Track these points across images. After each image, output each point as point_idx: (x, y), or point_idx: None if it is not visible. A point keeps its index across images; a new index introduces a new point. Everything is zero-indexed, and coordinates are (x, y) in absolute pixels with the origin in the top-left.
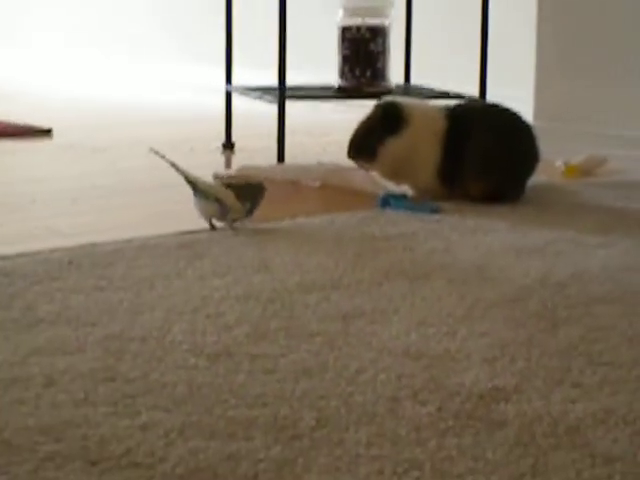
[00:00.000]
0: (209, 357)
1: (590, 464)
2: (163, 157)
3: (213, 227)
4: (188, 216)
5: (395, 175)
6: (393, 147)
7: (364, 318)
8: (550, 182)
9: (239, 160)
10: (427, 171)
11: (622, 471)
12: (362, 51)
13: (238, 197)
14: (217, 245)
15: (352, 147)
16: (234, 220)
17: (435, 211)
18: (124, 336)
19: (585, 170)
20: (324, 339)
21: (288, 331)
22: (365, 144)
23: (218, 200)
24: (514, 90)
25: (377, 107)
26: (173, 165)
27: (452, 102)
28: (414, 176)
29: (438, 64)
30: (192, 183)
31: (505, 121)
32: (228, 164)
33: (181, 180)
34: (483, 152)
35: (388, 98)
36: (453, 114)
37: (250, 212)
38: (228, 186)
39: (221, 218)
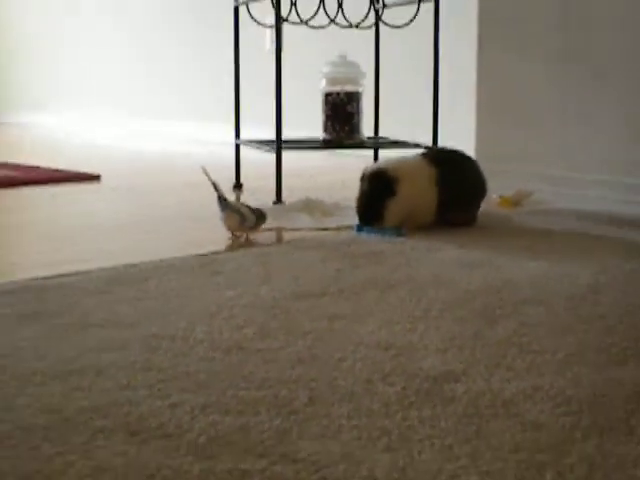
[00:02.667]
0: (224, 351)
1: (521, 430)
2: (208, 175)
3: (235, 235)
4: (207, 242)
5: (402, 223)
6: (394, 207)
7: (345, 319)
8: (488, 211)
9: (245, 196)
10: (430, 212)
11: (547, 435)
12: (341, 111)
13: (249, 210)
14: (229, 264)
15: (362, 216)
16: (250, 228)
17: (400, 235)
18: (157, 335)
19: (515, 201)
20: (314, 335)
21: (286, 330)
22: (371, 212)
23: (239, 212)
24: (459, 137)
25: (370, 178)
26: (214, 184)
27: (414, 151)
28: (420, 218)
29: (400, 120)
30: (224, 200)
31: (471, 163)
32: (238, 199)
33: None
34: (465, 190)
35: (373, 167)
36: (436, 160)
37: (256, 224)
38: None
39: (240, 227)
